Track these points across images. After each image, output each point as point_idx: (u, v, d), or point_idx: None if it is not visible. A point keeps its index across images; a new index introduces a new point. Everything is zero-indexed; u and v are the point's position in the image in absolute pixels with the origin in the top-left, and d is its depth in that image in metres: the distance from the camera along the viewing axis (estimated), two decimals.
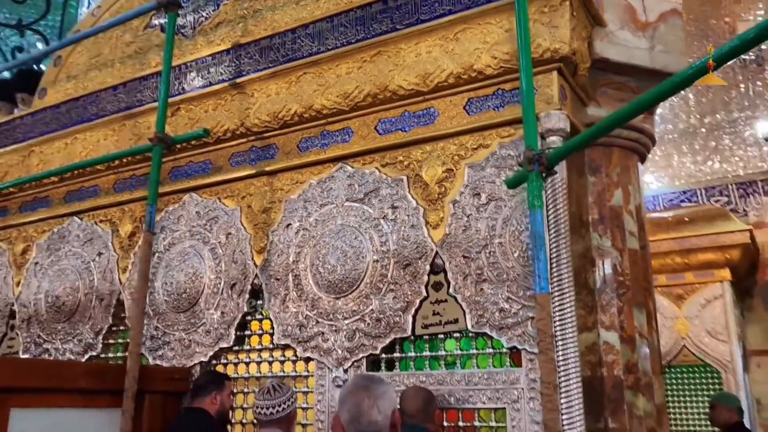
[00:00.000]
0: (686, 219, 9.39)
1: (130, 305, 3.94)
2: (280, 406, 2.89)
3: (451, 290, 3.00)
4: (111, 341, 4.04)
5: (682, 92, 9.50)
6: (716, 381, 8.86)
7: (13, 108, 5.00)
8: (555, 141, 2.84)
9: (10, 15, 5.60)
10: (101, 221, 4.26)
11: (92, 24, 4.58)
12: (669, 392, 8.93)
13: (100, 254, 4.18)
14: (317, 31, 3.51)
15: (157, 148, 3.45)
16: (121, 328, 4.04)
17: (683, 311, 8.95)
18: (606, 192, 3.25)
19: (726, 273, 8.90)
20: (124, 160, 4.12)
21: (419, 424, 2.58)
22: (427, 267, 3.07)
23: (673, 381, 9.19)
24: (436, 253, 3.06)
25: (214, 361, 3.61)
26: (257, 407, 2.88)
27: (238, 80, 3.70)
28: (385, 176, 3.28)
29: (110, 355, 4.02)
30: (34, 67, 5.48)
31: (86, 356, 4.03)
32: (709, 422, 4.66)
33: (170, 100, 3.71)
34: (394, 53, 3.28)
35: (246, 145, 3.74)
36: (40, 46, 5.54)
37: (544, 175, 2.42)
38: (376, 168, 3.32)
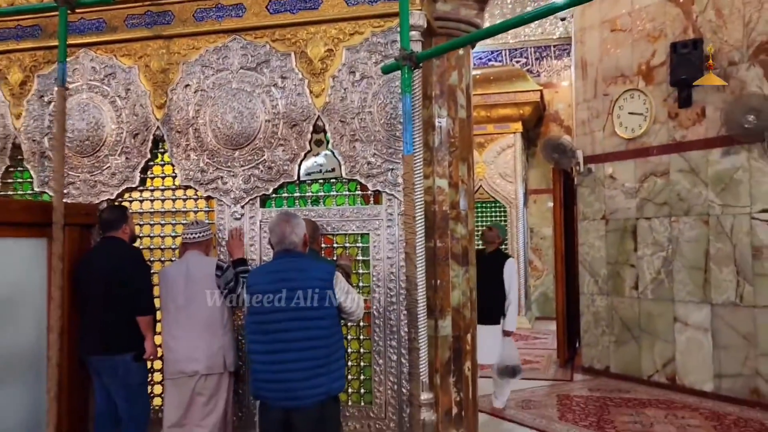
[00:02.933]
0: (491, 78, 10.84)
1: (28, 148, 4.36)
2: (201, 233, 3.77)
3: (329, 146, 3.92)
4: (9, 180, 4.47)
5: None
6: (503, 214, 10.83)
7: None
8: (415, 35, 3.72)
9: None
10: None
11: None
12: None
13: None
14: None
15: (63, 8, 3.79)
16: (19, 169, 4.46)
17: (483, 157, 10.61)
18: (446, 73, 4.23)
19: (518, 126, 10.62)
20: None
21: (310, 247, 3.58)
22: (311, 127, 3.93)
23: None
24: (318, 116, 3.91)
25: (120, 199, 4.25)
26: (185, 234, 3.73)
27: None
28: (275, 50, 3.98)
29: (9, 192, 4.46)
30: None
31: None
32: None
33: None
34: None
35: (141, 9, 4.15)
36: None
37: (413, 69, 3.32)
38: (267, 42, 3.99)
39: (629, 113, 6.78)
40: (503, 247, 5.81)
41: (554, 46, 11.74)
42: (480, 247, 5.87)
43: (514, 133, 10.64)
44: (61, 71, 3.78)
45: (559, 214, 7.88)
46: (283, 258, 3.03)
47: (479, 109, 10.41)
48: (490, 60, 11.91)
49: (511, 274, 5.66)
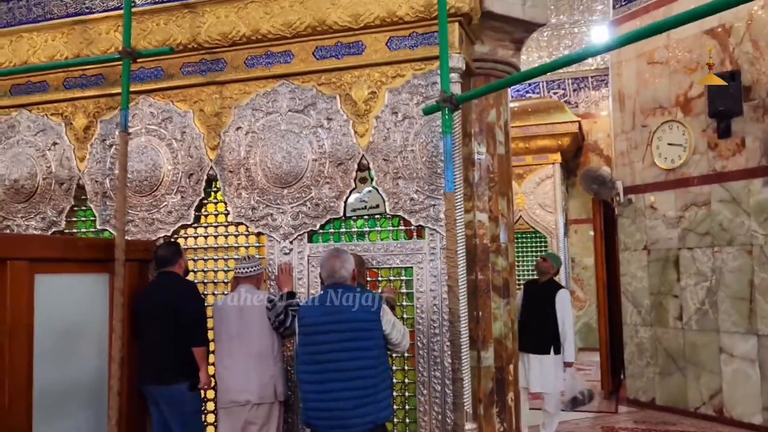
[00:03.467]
0: (529, 109, 10.96)
1: (91, 188, 4.65)
2: (252, 268, 3.96)
3: (374, 184, 4.10)
4: (74, 219, 4.76)
5: None
6: (543, 244, 10.85)
7: None
8: (454, 77, 3.90)
9: None
10: (52, 114, 4.79)
11: None
12: None
13: (54, 144, 4.76)
14: None
15: (126, 60, 4.09)
16: (82, 208, 4.75)
17: (522, 188, 10.69)
18: (484, 111, 4.40)
19: (557, 156, 10.67)
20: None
21: (357, 281, 3.73)
22: (356, 166, 4.12)
23: None
24: (363, 155, 4.10)
25: (175, 236, 4.49)
26: (238, 268, 3.92)
27: (190, 1, 4.33)
28: (322, 93, 4.20)
29: (74, 230, 4.75)
30: None
31: (50, 231, 4.73)
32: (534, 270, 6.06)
33: (120, 12, 4.30)
34: None
35: (197, 57, 4.43)
36: None
37: (453, 110, 3.49)
38: (314, 86, 4.22)
39: (668, 144, 6.82)
40: (557, 277, 5.87)
41: (591, 77, 11.82)
42: (534, 277, 5.96)
43: (553, 163, 10.69)
44: (124, 117, 4.06)
45: (600, 244, 7.90)
46: (334, 290, 3.19)
47: (518, 141, 10.52)
48: (527, 92, 12.03)
49: (564, 304, 5.66)
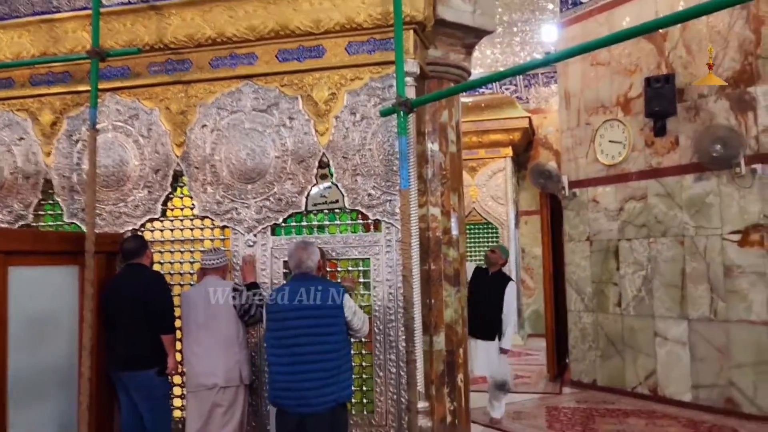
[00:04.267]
0: (482, 105, 11.34)
1: (58, 183, 4.78)
2: (218, 259, 4.19)
3: (333, 180, 4.36)
4: (41, 213, 4.89)
5: None
6: (495, 234, 11.27)
7: None
8: (409, 81, 4.18)
9: None
10: (18, 110, 4.89)
11: None
12: None
13: (21, 139, 4.88)
14: None
15: (94, 60, 4.24)
16: (50, 202, 4.88)
17: (475, 180, 11.08)
18: (437, 112, 4.69)
19: (509, 150, 11.09)
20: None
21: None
22: (316, 163, 4.37)
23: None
24: (323, 153, 4.36)
25: (142, 229, 4.68)
26: (204, 260, 4.15)
27: (157, 3, 4.50)
28: (284, 94, 4.43)
29: (40, 223, 4.88)
30: None
31: (17, 224, 4.85)
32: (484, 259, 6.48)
33: (89, 11, 4.45)
34: (293, 0, 4.33)
35: (163, 57, 4.60)
36: None
37: (408, 113, 3.78)
38: (277, 87, 4.45)
39: (609, 141, 7.25)
40: (505, 268, 6.29)
41: (542, 74, 12.25)
42: (483, 266, 6.34)
43: (505, 157, 11.12)
44: (93, 115, 4.22)
45: (546, 235, 8.33)
46: (300, 280, 3.46)
47: (471, 135, 10.89)
48: (480, 88, 12.40)
49: (512, 296, 6.10)
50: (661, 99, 6.42)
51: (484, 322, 5.91)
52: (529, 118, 11.26)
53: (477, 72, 12.18)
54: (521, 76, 12.27)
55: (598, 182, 7.44)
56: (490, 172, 11.14)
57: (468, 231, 11.44)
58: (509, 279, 6.28)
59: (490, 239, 11.19)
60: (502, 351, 6.09)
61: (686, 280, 6.56)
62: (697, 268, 6.48)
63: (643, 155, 6.99)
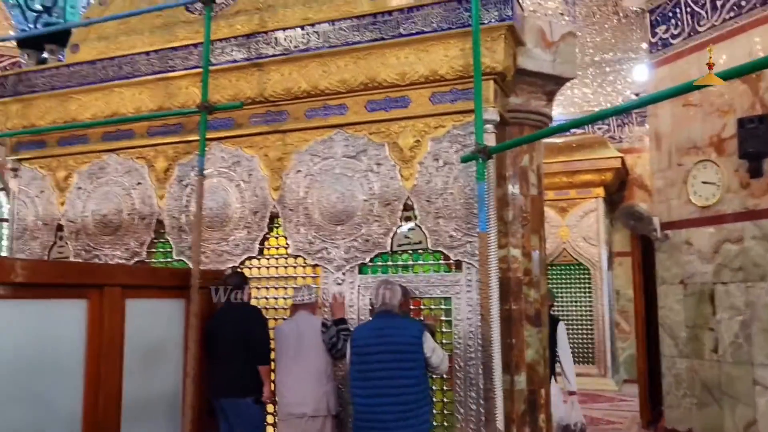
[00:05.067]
0: (573, 145, 11.33)
1: (169, 223, 5.29)
2: (309, 296, 4.49)
3: (417, 222, 4.59)
4: (153, 250, 5.40)
5: (579, 30, 11.16)
6: (587, 275, 11.12)
7: (38, 55, 5.91)
8: (488, 128, 4.39)
9: None
10: (137, 158, 5.47)
11: None
12: (553, 283, 11.02)
13: (138, 184, 5.44)
14: (322, 30, 4.80)
15: (203, 113, 4.72)
16: (161, 240, 5.39)
17: (565, 221, 11.03)
18: (518, 156, 4.86)
19: (600, 191, 10.99)
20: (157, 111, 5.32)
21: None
22: (401, 206, 4.63)
23: (556, 275, 11.33)
24: (408, 197, 4.62)
25: (241, 266, 5.07)
26: (296, 296, 4.47)
27: (259, 61, 4.96)
28: (372, 141, 4.74)
29: (153, 260, 5.39)
30: (59, 20, 6.30)
31: (132, 260, 5.38)
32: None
33: (200, 70, 4.96)
34: (381, 55, 4.66)
35: (263, 109, 5.04)
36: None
37: (486, 160, 3.98)
38: (365, 135, 4.77)
39: (703, 182, 7.10)
40: (553, 310, 6.33)
41: (636, 113, 12.10)
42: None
43: (596, 197, 11.01)
44: (201, 162, 4.68)
45: (638, 277, 8.18)
46: (383, 317, 3.71)
47: (561, 176, 10.89)
48: (572, 127, 12.37)
49: (562, 336, 6.12)
50: (756, 140, 6.26)
51: None
52: (622, 158, 11.13)
53: (570, 112, 12.22)
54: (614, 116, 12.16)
55: (691, 224, 7.28)
56: (582, 213, 11.05)
57: (559, 272, 11.35)
58: (558, 320, 6.28)
59: (581, 280, 11.04)
60: (570, 393, 6.05)
61: None
62: None
63: (738, 197, 6.80)
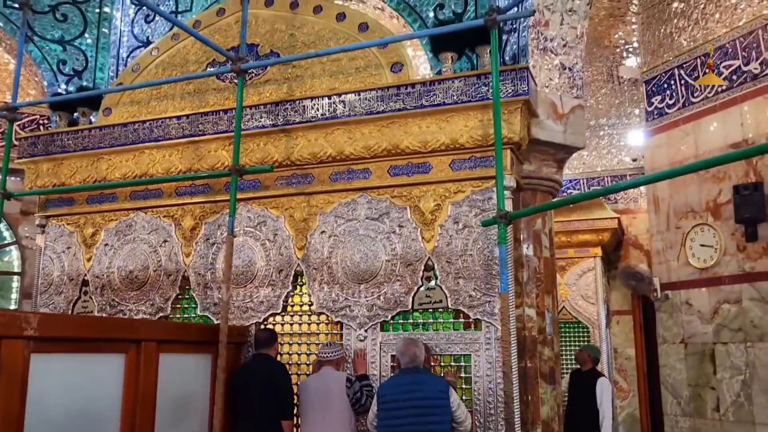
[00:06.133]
0: (571, 206, 11.62)
1: (194, 280, 5.48)
2: (334, 352, 4.67)
3: (438, 282, 4.82)
4: (178, 306, 5.57)
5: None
6: (586, 334, 11.27)
7: (70, 116, 6.19)
8: (507, 194, 4.66)
9: (54, 30, 6.74)
10: (164, 216, 5.70)
11: (151, 61, 5.91)
12: None
13: (165, 241, 5.65)
14: (348, 99, 5.12)
15: (234, 176, 4.98)
16: (186, 296, 5.57)
17: (564, 279, 11.22)
18: (532, 220, 5.14)
19: (598, 250, 11.23)
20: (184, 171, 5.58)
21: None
22: (422, 266, 4.87)
23: None
24: (429, 258, 4.85)
25: (265, 323, 5.25)
26: (321, 353, 4.64)
27: (286, 127, 5.26)
28: (394, 204, 5.01)
29: (177, 315, 5.55)
30: (87, 83, 6.62)
31: (157, 316, 5.54)
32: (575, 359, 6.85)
33: (229, 134, 5.25)
34: (403, 124, 4.97)
35: (289, 172, 5.31)
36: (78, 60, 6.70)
37: (507, 225, 4.24)
38: (388, 198, 5.03)
39: (701, 245, 7.42)
40: (599, 367, 6.66)
41: (630, 175, 12.50)
42: (576, 367, 6.61)
43: (594, 257, 11.26)
44: (231, 223, 4.91)
45: (639, 337, 8.40)
46: (411, 373, 3.89)
47: (560, 235, 11.14)
48: (568, 188, 12.76)
49: (602, 391, 6.37)
50: (750, 206, 6.61)
51: (580, 418, 6.10)
52: (618, 218, 11.44)
53: (566, 174, 12.60)
54: (609, 177, 12.56)
55: (690, 285, 7.55)
56: (580, 272, 11.28)
57: (560, 330, 11.49)
58: (600, 375, 6.49)
59: (581, 338, 11.18)
60: None
61: None
62: None
63: (735, 259, 7.10)
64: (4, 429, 3.25)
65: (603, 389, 6.35)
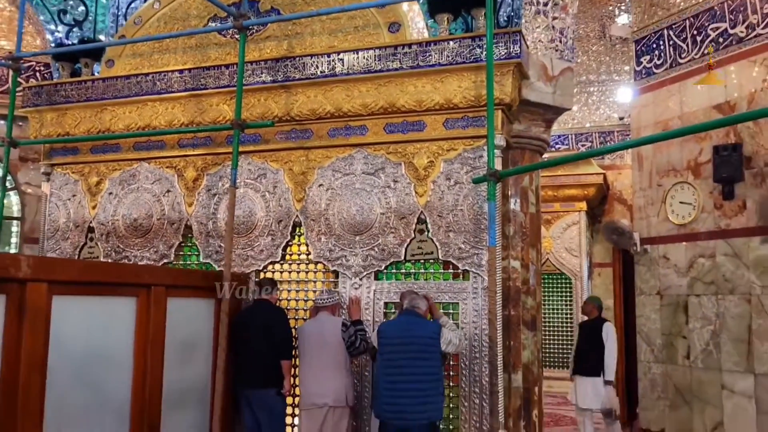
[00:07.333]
0: None
1: (197, 229, 5.73)
2: (330, 298, 4.99)
3: (429, 234, 5.11)
4: (180, 253, 5.85)
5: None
6: (569, 285, 11.73)
7: (72, 67, 6.31)
8: (497, 152, 4.92)
9: None
10: (167, 167, 5.91)
11: (153, 14, 6.02)
12: None
13: (168, 191, 5.88)
14: (347, 58, 5.30)
15: (236, 130, 5.18)
16: (188, 244, 5.84)
17: (550, 232, 11.61)
18: (520, 178, 5.40)
19: (583, 205, 11.61)
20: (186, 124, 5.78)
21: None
22: (415, 219, 5.15)
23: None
24: (421, 212, 5.13)
25: (264, 270, 5.54)
26: (318, 299, 4.96)
27: (286, 83, 5.44)
28: (389, 160, 5.25)
29: (180, 262, 5.83)
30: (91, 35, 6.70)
31: (161, 262, 5.82)
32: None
33: (231, 89, 5.44)
34: (400, 83, 5.17)
35: (289, 127, 5.52)
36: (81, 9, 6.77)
37: (497, 182, 4.51)
38: (383, 154, 5.27)
39: (680, 202, 7.73)
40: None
41: (617, 131, 12.76)
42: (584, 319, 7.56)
43: (579, 211, 11.64)
44: (234, 175, 5.14)
45: (618, 288, 8.80)
46: (409, 315, 4.27)
47: (547, 189, 11.46)
48: (557, 144, 13.01)
49: (608, 333, 7.33)
50: (729, 166, 6.90)
51: (588, 361, 7.12)
52: (604, 174, 11.76)
53: (554, 129, 12.83)
54: (597, 134, 12.82)
55: (668, 240, 7.90)
56: (565, 225, 11.67)
57: (543, 280, 11.93)
58: (604, 321, 7.41)
59: (563, 289, 11.65)
60: (606, 382, 7.12)
61: (752, 336, 6.91)
62: (763, 325, 6.83)
63: (711, 217, 7.43)
64: (30, 368, 3.54)
65: (608, 332, 7.21)
